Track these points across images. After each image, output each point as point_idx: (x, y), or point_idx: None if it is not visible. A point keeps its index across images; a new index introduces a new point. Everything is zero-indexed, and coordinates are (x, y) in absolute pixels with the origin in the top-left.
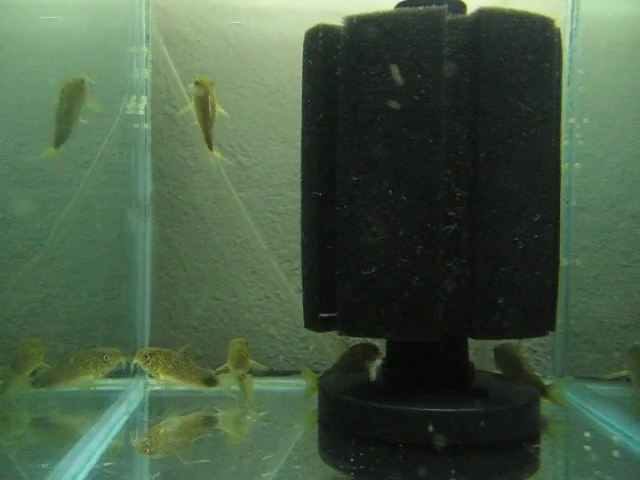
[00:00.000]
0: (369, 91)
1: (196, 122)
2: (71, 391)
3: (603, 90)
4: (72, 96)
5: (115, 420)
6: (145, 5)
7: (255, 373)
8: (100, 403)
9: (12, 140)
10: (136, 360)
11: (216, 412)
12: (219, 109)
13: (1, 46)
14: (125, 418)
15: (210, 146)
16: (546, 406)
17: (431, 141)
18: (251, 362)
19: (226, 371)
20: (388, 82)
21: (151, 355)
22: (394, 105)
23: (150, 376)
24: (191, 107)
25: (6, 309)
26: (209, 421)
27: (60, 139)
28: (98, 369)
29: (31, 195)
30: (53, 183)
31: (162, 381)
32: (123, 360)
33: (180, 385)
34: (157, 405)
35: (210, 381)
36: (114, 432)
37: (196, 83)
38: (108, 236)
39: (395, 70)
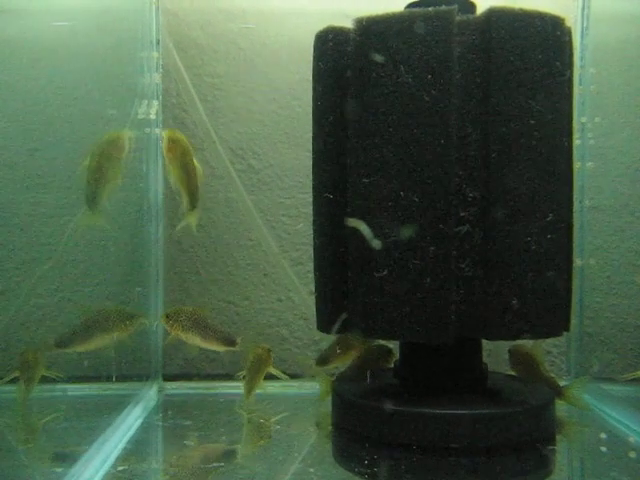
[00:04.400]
0: (379, 93)
1: (175, 183)
2: (85, 394)
3: (615, 89)
4: (104, 155)
5: (129, 423)
6: (155, 10)
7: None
8: (114, 406)
9: (24, 145)
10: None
11: (230, 415)
12: (196, 163)
13: (13, 52)
14: (139, 421)
15: (194, 204)
16: (561, 407)
17: (442, 142)
18: (271, 370)
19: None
20: (399, 83)
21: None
22: (404, 106)
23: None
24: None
25: (19, 314)
26: (223, 424)
27: (93, 202)
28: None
29: (44, 200)
30: (65, 188)
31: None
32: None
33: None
34: (171, 408)
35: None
36: (128, 436)
37: (170, 139)
38: (121, 240)
39: None
